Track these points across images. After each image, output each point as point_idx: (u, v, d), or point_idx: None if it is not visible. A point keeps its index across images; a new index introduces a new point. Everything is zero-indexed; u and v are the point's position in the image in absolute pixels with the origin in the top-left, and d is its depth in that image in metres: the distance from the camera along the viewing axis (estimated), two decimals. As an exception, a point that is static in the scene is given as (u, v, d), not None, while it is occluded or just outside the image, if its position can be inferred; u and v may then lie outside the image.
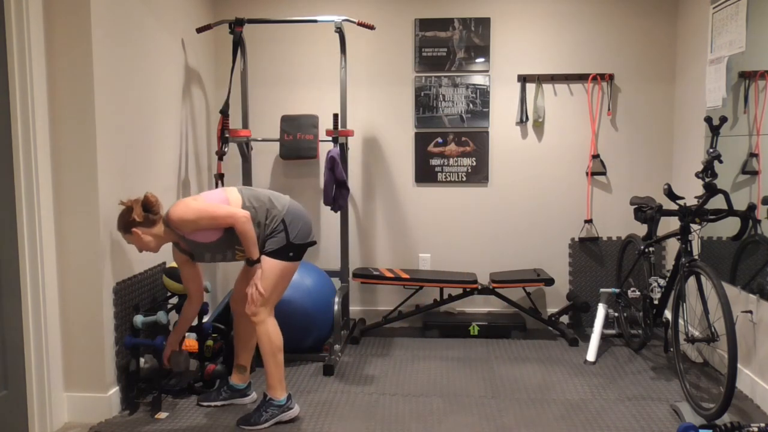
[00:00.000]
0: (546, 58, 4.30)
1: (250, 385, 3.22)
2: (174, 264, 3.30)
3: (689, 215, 3.20)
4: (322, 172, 4.38)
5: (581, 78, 4.29)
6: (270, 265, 2.86)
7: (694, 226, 3.26)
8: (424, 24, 4.31)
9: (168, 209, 2.82)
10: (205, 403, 3.15)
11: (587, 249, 4.38)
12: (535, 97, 4.30)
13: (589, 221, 4.36)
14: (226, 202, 2.85)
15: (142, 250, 2.87)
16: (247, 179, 4.16)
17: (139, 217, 2.80)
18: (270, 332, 2.88)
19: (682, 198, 3.20)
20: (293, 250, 2.90)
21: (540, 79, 4.29)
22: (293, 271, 2.94)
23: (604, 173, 4.33)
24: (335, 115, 3.86)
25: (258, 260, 2.84)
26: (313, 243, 3.01)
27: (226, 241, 2.85)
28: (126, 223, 2.81)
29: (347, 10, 4.30)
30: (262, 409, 2.91)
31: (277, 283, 2.88)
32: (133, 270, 3.20)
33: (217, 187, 4.03)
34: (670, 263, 4.27)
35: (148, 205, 2.83)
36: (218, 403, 3.14)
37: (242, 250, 2.89)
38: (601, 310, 3.85)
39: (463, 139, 4.36)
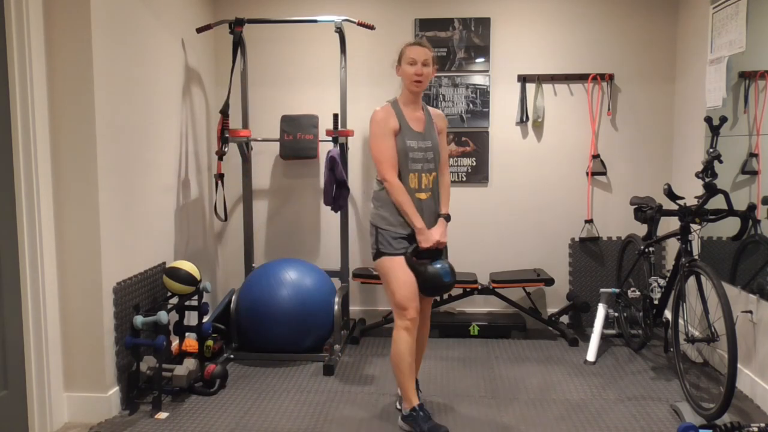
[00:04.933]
0: (546, 58, 4.30)
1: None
2: (174, 264, 3.30)
3: (689, 215, 3.20)
4: (322, 172, 4.38)
5: (581, 78, 4.29)
6: (379, 267, 2.80)
7: (694, 226, 3.26)
8: (424, 24, 4.31)
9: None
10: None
11: (587, 249, 4.38)
12: (535, 97, 4.30)
13: (589, 221, 4.36)
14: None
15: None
16: (247, 179, 4.16)
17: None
18: (397, 339, 2.75)
19: (682, 198, 3.20)
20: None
21: (540, 79, 4.29)
22: (393, 264, 2.76)
23: (604, 173, 4.33)
24: (335, 115, 3.86)
25: (444, 217, 2.84)
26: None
27: None
28: None
29: (347, 10, 4.30)
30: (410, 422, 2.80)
31: (389, 282, 2.77)
32: (133, 270, 3.20)
33: (217, 188, 4.03)
34: (670, 263, 4.27)
35: None
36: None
37: None
38: (601, 310, 3.85)
39: (463, 139, 4.36)
